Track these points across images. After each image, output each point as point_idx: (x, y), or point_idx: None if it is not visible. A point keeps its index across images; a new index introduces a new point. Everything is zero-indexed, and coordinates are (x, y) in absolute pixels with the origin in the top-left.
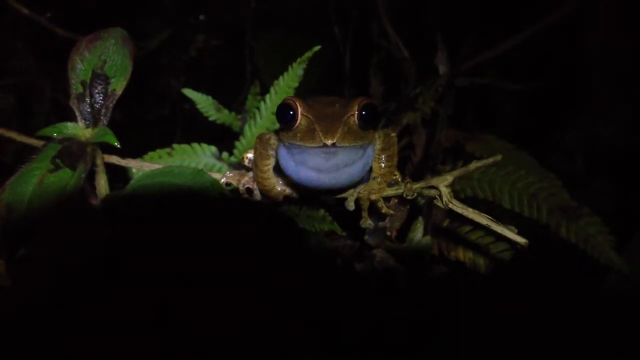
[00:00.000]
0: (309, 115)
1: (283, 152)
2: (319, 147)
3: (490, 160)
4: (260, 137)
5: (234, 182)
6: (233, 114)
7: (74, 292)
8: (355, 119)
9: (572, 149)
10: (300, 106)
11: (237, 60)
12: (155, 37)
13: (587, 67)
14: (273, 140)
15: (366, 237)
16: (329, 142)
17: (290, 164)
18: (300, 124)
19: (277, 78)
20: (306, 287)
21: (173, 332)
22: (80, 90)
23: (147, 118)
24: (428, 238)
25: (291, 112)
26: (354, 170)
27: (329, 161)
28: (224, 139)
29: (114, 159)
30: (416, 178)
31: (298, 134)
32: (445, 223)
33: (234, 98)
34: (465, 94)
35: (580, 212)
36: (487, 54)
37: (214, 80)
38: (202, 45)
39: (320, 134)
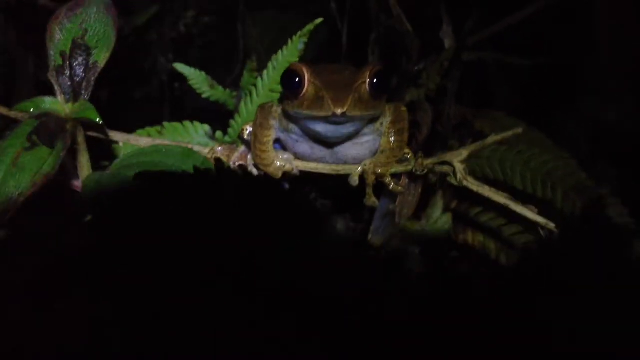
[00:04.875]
0: (317, 82)
1: (287, 122)
2: (328, 116)
3: (510, 133)
4: (261, 107)
5: (224, 158)
6: (228, 91)
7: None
8: (367, 86)
9: (576, 134)
10: (307, 72)
11: (228, 37)
12: (142, 13)
13: (596, 50)
14: (275, 109)
15: (371, 229)
16: (339, 111)
17: (293, 137)
18: (307, 91)
19: (271, 56)
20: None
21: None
22: (60, 62)
23: (134, 98)
24: (448, 215)
25: (297, 79)
26: (363, 145)
27: (337, 132)
28: (216, 121)
29: (97, 134)
30: None
31: (305, 103)
32: (454, 204)
33: (225, 77)
34: (464, 72)
35: (598, 193)
36: (493, 29)
37: (204, 58)
38: (192, 21)
39: (330, 103)
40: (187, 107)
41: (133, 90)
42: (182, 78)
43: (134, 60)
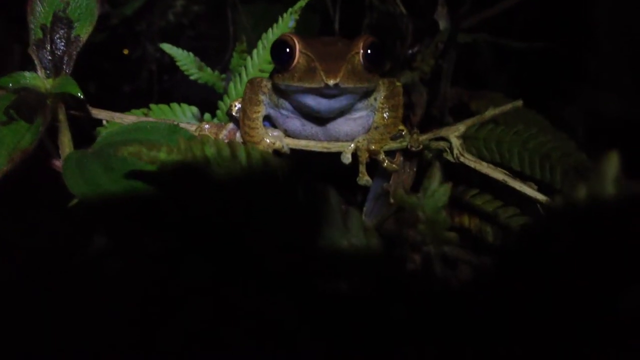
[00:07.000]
0: (309, 53)
1: (277, 97)
2: (320, 88)
3: (509, 106)
4: (251, 81)
5: (212, 136)
6: (217, 73)
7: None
8: (360, 57)
9: (573, 122)
10: (298, 43)
11: (219, 27)
12: (131, 2)
13: (595, 36)
14: (265, 83)
15: (364, 211)
16: (332, 82)
17: (284, 112)
18: (298, 62)
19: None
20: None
21: None
22: (40, 35)
23: (122, 88)
24: (446, 187)
25: (288, 50)
26: (356, 121)
27: (329, 106)
28: (206, 110)
29: (80, 112)
30: None
31: (296, 75)
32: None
33: (215, 66)
34: (459, 56)
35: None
36: (489, 11)
37: (195, 48)
38: (182, 10)
39: (322, 73)
40: (176, 98)
41: (121, 81)
42: (171, 69)
43: (121, 51)
